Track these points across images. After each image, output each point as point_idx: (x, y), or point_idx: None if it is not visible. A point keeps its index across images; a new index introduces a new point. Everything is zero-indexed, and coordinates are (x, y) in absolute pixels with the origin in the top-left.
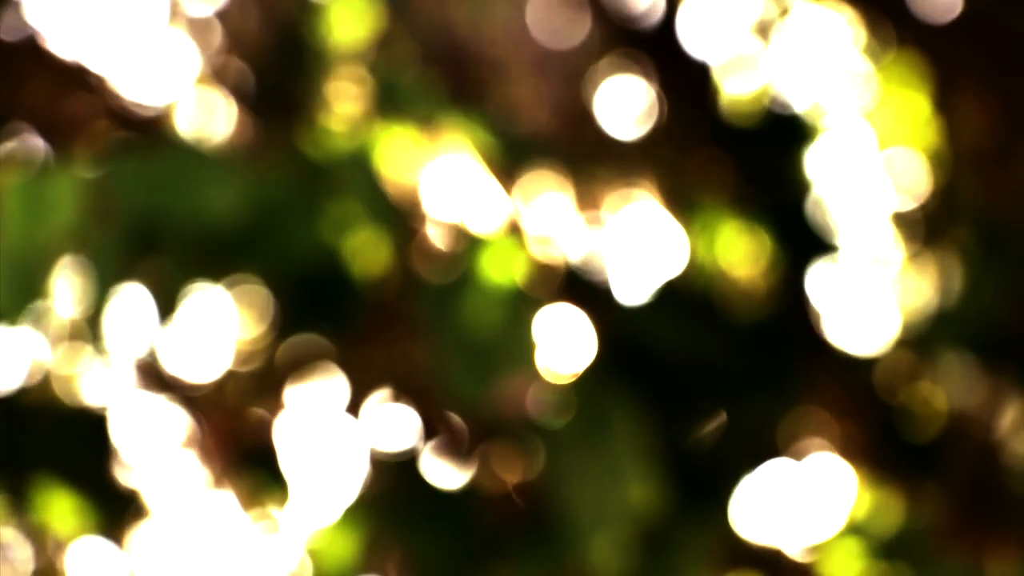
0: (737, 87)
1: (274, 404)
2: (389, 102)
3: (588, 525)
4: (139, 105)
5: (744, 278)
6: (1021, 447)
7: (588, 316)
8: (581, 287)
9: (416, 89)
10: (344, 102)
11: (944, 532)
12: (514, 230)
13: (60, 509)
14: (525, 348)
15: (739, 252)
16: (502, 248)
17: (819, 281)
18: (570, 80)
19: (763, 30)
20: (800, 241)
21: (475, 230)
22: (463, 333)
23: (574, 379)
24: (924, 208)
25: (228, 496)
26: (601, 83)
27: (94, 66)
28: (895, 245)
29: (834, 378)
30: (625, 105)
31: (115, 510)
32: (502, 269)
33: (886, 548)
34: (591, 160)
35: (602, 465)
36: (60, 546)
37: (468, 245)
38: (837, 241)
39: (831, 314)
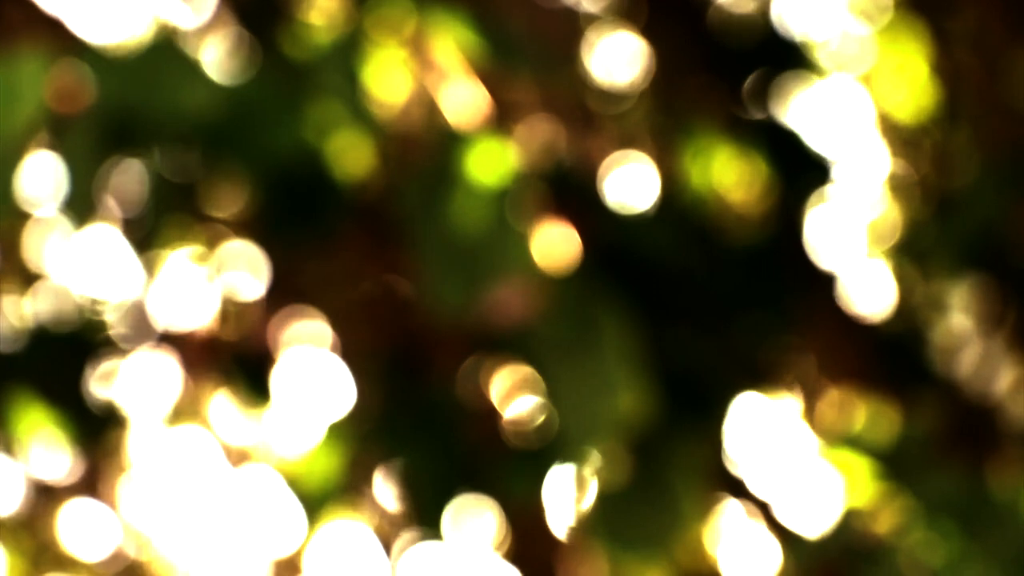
0: (733, 10)
1: (257, 315)
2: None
3: (577, 435)
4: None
5: (738, 203)
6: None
7: (576, 221)
8: (569, 191)
9: None
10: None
11: (941, 444)
12: (501, 130)
13: (36, 423)
14: (513, 252)
15: (733, 177)
16: (488, 148)
17: (814, 204)
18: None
19: None
20: (795, 166)
21: (461, 129)
22: (448, 237)
23: (562, 285)
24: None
25: (209, 411)
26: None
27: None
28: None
29: (828, 299)
30: (619, 51)
31: (93, 425)
32: (488, 169)
33: (882, 460)
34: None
35: (591, 373)
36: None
37: (453, 144)
38: (832, 165)
39: (825, 237)
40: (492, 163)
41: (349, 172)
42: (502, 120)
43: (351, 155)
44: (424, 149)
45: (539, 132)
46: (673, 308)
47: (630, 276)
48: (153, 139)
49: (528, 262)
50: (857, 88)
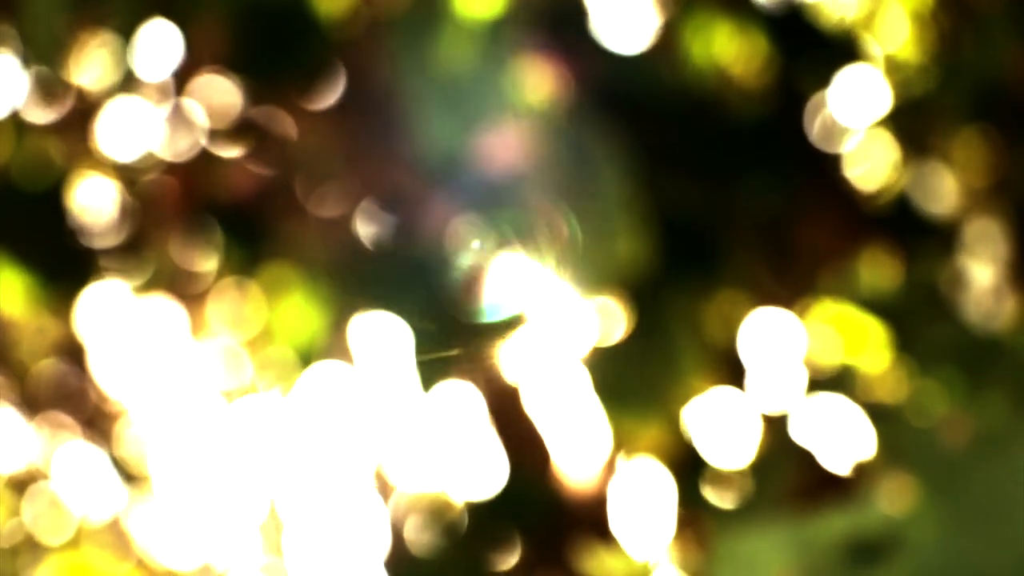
0: None
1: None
2: None
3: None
4: None
5: (739, 78)
6: None
7: (569, 60)
8: (561, 28)
9: None
10: None
11: (942, 297)
12: None
13: (9, 284)
14: (503, 90)
15: (734, 53)
16: None
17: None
18: None
19: None
20: (796, 41)
21: None
22: (437, 75)
23: (556, 126)
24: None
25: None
26: None
27: None
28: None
29: (828, 168)
30: None
31: (68, 284)
32: (477, 3)
33: (884, 313)
34: None
35: (588, 218)
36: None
37: None
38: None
39: (828, 110)
40: None
41: (332, 11)
42: None
43: None
44: None
45: None
46: (672, 156)
47: (627, 118)
48: None
49: (520, 100)
50: None
